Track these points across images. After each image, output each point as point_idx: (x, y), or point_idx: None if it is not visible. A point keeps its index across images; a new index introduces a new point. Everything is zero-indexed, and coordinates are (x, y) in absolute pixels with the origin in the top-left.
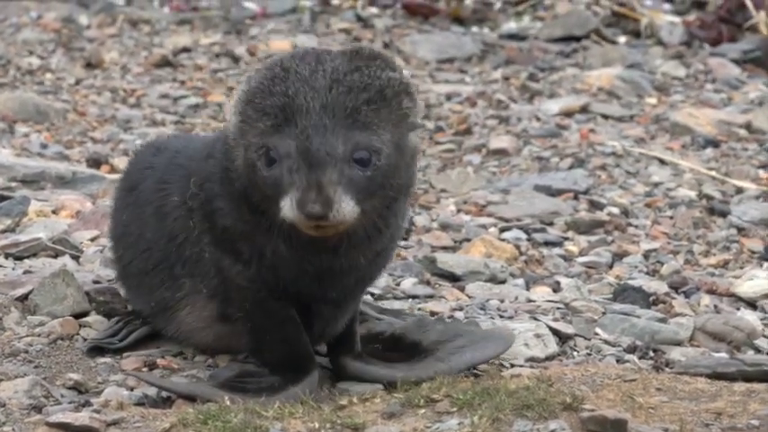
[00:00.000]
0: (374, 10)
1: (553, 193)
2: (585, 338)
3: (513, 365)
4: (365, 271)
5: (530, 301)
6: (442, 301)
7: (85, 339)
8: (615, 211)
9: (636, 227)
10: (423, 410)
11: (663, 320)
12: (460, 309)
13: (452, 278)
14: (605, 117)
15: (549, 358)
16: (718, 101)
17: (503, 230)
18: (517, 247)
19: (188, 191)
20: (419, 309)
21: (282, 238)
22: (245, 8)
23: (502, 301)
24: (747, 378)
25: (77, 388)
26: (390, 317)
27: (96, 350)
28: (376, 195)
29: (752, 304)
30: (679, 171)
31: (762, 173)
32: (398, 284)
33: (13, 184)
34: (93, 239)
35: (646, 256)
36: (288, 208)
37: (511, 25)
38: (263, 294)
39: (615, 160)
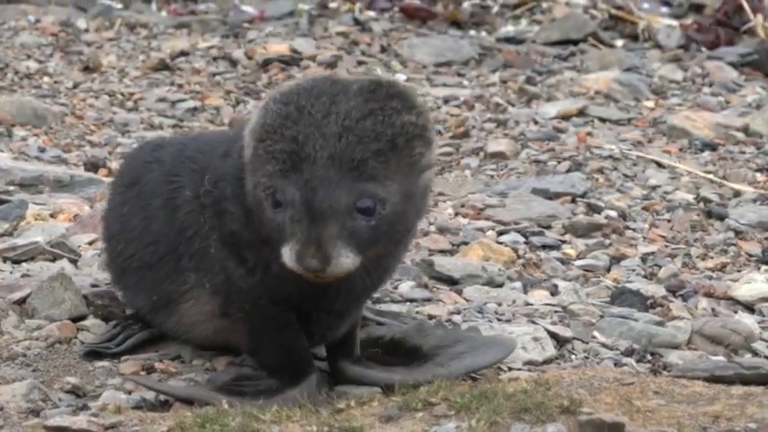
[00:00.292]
0: (372, 13)
1: (551, 196)
2: (583, 342)
3: (510, 369)
4: (369, 285)
5: (527, 304)
6: (440, 304)
7: (83, 343)
8: (613, 214)
9: (633, 230)
10: (420, 414)
11: (660, 324)
12: (458, 312)
13: (450, 281)
14: (603, 120)
15: (547, 362)
16: (715, 104)
17: (500, 234)
18: (515, 250)
19: (201, 185)
20: (417, 312)
21: None
22: (242, 12)
23: (500, 305)
24: (745, 381)
25: (75, 392)
26: (390, 320)
27: (93, 354)
28: (380, 243)
29: (749, 307)
30: (676, 174)
31: (759, 176)
32: (396, 288)
33: (11, 188)
34: (91, 243)
35: (643, 259)
36: (287, 257)
37: (508, 29)
38: (264, 301)
39: (613, 163)
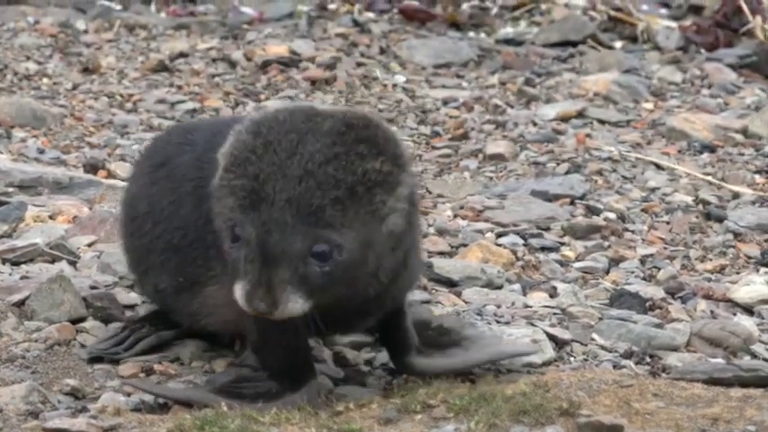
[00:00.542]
0: (371, 15)
1: (550, 198)
2: (582, 344)
3: (509, 371)
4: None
5: (526, 306)
6: (439, 306)
7: (83, 346)
8: (612, 216)
9: (632, 232)
10: (419, 416)
11: (659, 326)
12: (457, 314)
13: (449, 283)
14: (602, 122)
15: (546, 364)
16: (714, 106)
17: (499, 236)
18: (514, 252)
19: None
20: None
21: None
22: (242, 13)
23: (498, 307)
24: (744, 384)
25: (74, 394)
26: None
27: (99, 359)
28: (335, 288)
29: (748, 310)
30: (675, 176)
31: (758, 178)
32: None
33: (10, 190)
34: (90, 245)
35: (642, 261)
36: (238, 295)
37: (507, 30)
38: None
39: (612, 165)
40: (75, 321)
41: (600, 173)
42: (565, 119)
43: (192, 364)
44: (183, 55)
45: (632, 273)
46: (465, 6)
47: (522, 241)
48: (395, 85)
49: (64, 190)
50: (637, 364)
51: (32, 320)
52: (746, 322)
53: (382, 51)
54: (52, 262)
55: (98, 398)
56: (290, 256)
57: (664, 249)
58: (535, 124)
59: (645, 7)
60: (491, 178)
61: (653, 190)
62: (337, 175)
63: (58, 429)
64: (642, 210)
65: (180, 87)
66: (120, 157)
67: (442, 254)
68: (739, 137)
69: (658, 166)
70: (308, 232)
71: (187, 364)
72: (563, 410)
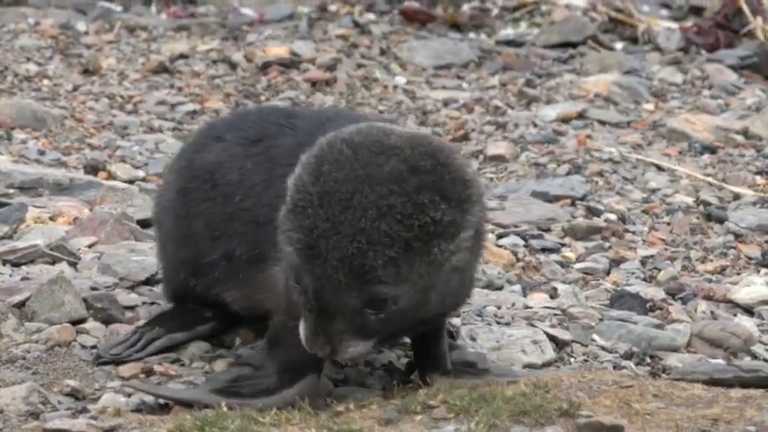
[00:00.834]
0: (371, 16)
1: (550, 199)
2: (582, 345)
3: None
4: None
5: (527, 307)
6: None
7: (83, 347)
8: (612, 217)
9: (633, 233)
10: (419, 416)
11: (660, 327)
12: (458, 315)
13: None
14: (602, 123)
15: (546, 364)
16: (715, 107)
17: (500, 237)
18: (514, 253)
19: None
20: None
21: None
22: (242, 15)
23: (499, 308)
24: (744, 384)
25: (75, 394)
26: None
27: (111, 362)
28: (395, 330)
29: (749, 310)
30: (676, 177)
31: (759, 179)
32: None
33: (11, 191)
34: (90, 246)
35: (643, 262)
36: (302, 335)
37: (508, 31)
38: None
39: (612, 166)
40: (75, 322)
41: (600, 174)
42: (565, 120)
43: (193, 364)
44: (183, 56)
45: (633, 274)
46: (465, 7)
47: (522, 242)
48: (395, 87)
49: (64, 191)
50: (637, 364)
51: (33, 321)
52: (747, 323)
53: (383, 52)
54: (53, 263)
55: (98, 399)
56: (343, 311)
57: (664, 250)
58: (536, 125)
59: (645, 8)
60: (491, 179)
61: (653, 191)
62: (391, 232)
63: (59, 430)
64: (643, 211)
65: (180, 89)
66: (120, 158)
67: None
68: (740, 138)
69: (659, 167)
70: (361, 289)
71: (187, 364)
72: (563, 411)
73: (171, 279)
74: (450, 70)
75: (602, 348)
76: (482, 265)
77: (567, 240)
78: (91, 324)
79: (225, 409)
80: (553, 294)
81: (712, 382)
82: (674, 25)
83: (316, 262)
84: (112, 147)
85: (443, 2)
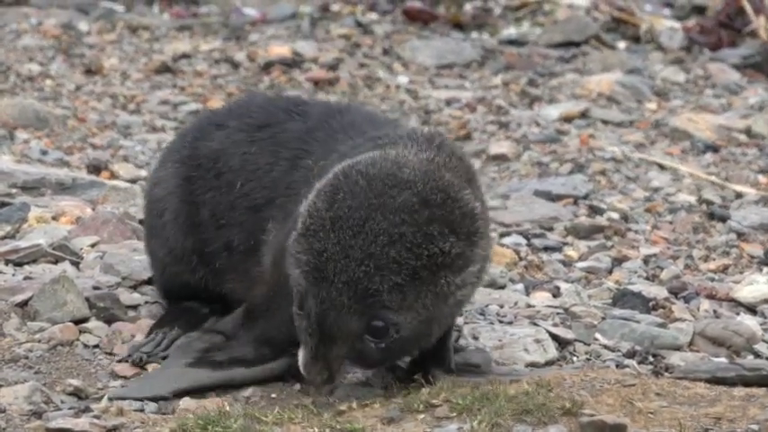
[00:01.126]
0: (374, 16)
1: (553, 198)
2: (585, 344)
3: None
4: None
5: (529, 306)
6: None
7: (86, 346)
8: (615, 216)
9: (635, 232)
10: (422, 415)
11: (662, 325)
12: (460, 314)
13: None
14: (605, 122)
15: (549, 363)
16: (717, 106)
17: (502, 236)
18: (517, 252)
19: (324, 161)
20: None
21: None
22: (244, 14)
23: (501, 307)
24: (747, 383)
25: (77, 394)
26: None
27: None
28: (394, 359)
29: (751, 309)
30: (678, 176)
31: (761, 178)
32: None
33: (13, 191)
34: (93, 245)
35: (645, 261)
36: (300, 362)
37: (510, 31)
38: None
39: (615, 165)
40: (78, 322)
41: (603, 173)
42: (568, 119)
43: None
44: (185, 56)
45: (635, 272)
46: (468, 7)
47: (525, 241)
48: (398, 86)
49: (67, 191)
50: (640, 363)
51: (35, 321)
52: (749, 322)
53: (385, 52)
54: (55, 263)
55: (101, 398)
56: (345, 335)
57: (667, 249)
58: (538, 125)
59: (648, 7)
60: (494, 178)
61: (656, 190)
62: (399, 259)
63: (61, 429)
64: (645, 210)
65: (183, 88)
66: (122, 157)
67: None
68: (742, 137)
69: (661, 166)
70: (364, 313)
71: None
72: (566, 410)
73: (166, 272)
74: (452, 70)
75: (605, 347)
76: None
77: (569, 239)
78: (93, 323)
79: (226, 407)
80: (556, 293)
81: (715, 381)
82: (677, 24)
83: (322, 285)
84: (115, 146)
85: (446, 1)
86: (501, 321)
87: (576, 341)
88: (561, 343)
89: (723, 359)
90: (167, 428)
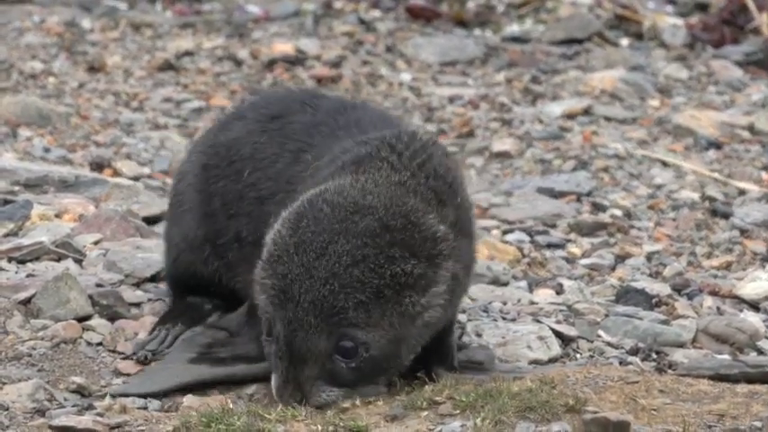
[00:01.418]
0: (377, 13)
1: (556, 195)
2: (588, 341)
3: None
4: None
5: (532, 303)
6: None
7: (89, 343)
8: (618, 213)
9: (638, 229)
10: (425, 413)
11: (665, 322)
12: (463, 311)
13: None
14: (608, 119)
15: (552, 360)
16: (720, 103)
17: (505, 233)
18: (520, 249)
19: (318, 162)
20: None
21: None
22: (247, 12)
23: (504, 304)
24: (750, 380)
25: (80, 391)
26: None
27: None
28: (366, 380)
29: (755, 306)
30: (682, 173)
31: (764, 174)
32: None
33: (16, 188)
34: (95, 243)
35: (648, 258)
36: (273, 386)
37: (513, 28)
38: None
39: (618, 162)
40: (81, 319)
41: (606, 170)
42: (571, 116)
43: None
44: (188, 53)
45: (638, 269)
46: (471, 4)
47: (528, 238)
48: (401, 84)
49: (70, 188)
50: (643, 360)
51: (38, 318)
52: (753, 318)
53: (388, 49)
54: (58, 260)
55: (104, 395)
56: (314, 355)
57: (670, 246)
58: (541, 122)
59: (651, 4)
60: (497, 176)
61: (659, 187)
62: (363, 278)
63: (65, 427)
64: (648, 207)
65: (186, 86)
66: (125, 155)
67: None
68: (745, 134)
69: (664, 163)
70: (331, 331)
71: None
72: (569, 407)
73: (179, 259)
74: (455, 67)
75: (608, 344)
76: (488, 260)
77: (572, 236)
78: (96, 321)
79: (230, 404)
80: (559, 290)
81: (718, 378)
82: (680, 21)
83: (288, 306)
84: (118, 144)
85: None
86: (504, 318)
87: (579, 338)
88: (564, 340)
89: (726, 356)
90: (171, 426)
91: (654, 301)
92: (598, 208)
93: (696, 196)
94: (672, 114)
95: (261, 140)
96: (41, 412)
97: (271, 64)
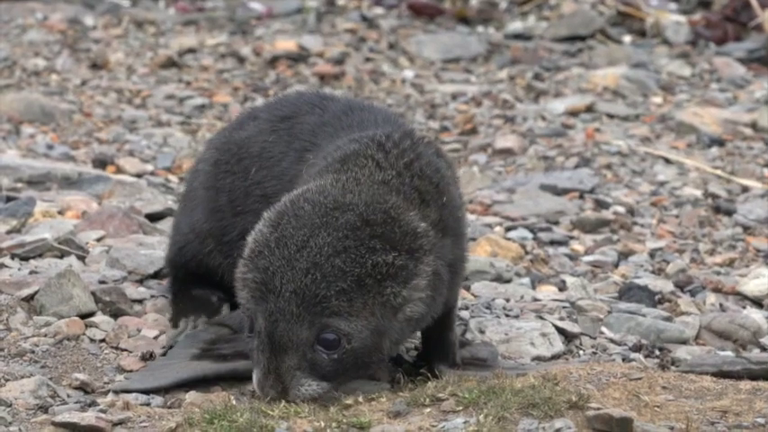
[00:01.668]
0: (379, 10)
1: (559, 192)
2: (591, 337)
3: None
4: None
5: (535, 300)
6: None
7: (92, 340)
8: (621, 210)
9: (641, 226)
10: (428, 409)
11: (668, 319)
12: (466, 308)
13: None
14: (611, 116)
15: (555, 357)
16: (723, 100)
17: (508, 230)
18: (523, 246)
19: (314, 159)
20: None
21: None
22: (250, 9)
23: (507, 301)
24: (753, 376)
25: (83, 388)
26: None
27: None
28: (349, 372)
29: (757, 303)
30: (684, 170)
31: (767, 171)
32: None
33: (19, 185)
34: (98, 240)
35: (651, 254)
36: (254, 382)
37: (516, 25)
38: None
39: (621, 159)
40: (84, 316)
41: (609, 167)
42: (574, 113)
43: None
44: (191, 51)
45: (641, 266)
46: (474, 1)
47: (531, 235)
48: (403, 81)
49: (73, 185)
50: (646, 356)
51: (41, 315)
52: (755, 315)
53: (391, 46)
54: (61, 257)
55: (107, 392)
56: (296, 344)
57: (673, 243)
58: (544, 119)
59: (654, 2)
60: (500, 172)
61: (662, 184)
62: (345, 267)
63: (68, 423)
64: (651, 203)
65: (188, 83)
66: (128, 152)
67: None
68: (748, 131)
69: (667, 160)
70: (313, 321)
71: None
72: (572, 403)
73: (186, 248)
74: (458, 64)
75: (611, 341)
76: (491, 257)
77: (575, 233)
78: (99, 317)
79: (233, 401)
80: (562, 287)
81: (721, 375)
82: (683, 18)
83: (269, 297)
84: (121, 141)
85: None
86: (507, 315)
87: (582, 335)
88: (567, 337)
89: (729, 353)
90: (173, 422)
91: (657, 297)
92: (601, 205)
93: (699, 193)
94: (675, 111)
95: (269, 139)
96: (44, 409)
97: (273, 61)
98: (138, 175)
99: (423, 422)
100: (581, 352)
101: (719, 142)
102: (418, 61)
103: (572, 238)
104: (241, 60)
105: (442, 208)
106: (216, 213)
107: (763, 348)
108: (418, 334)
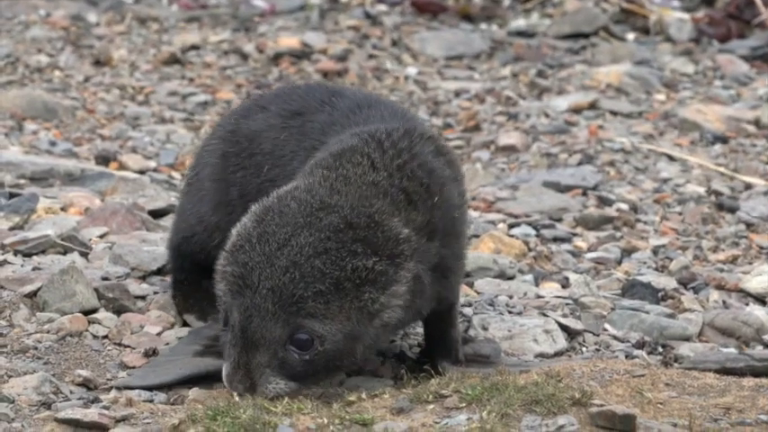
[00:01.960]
0: (383, 7)
1: (562, 189)
2: (594, 334)
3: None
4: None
5: (538, 296)
6: None
7: (95, 337)
8: (624, 207)
9: (644, 223)
10: (431, 406)
11: (671, 316)
12: (469, 305)
13: None
14: (614, 113)
15: (558, 354)
16: (726, 97)
17: (511, 226)
18: (526, 243)
19: (328, 152)
20: None
21: None
22: (253, 5)
23: (511, 297)
24: (756, 373)
25: (86, 384)
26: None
27: None
28: (319, 374)
29: (761, 300)
30: (688, 167)
31: None
32: None
33: (22, 182)
34: (101, 236)
35: (654, 251)
36: (223, 375)
37: (519, 22)
38: None
39: (624, 156)
40: (86, 312)
41: (612, 164)
42: (577, 110)
43: None
44: (194, 47)
45: (644, 263)
46: None
47: (534, 232)
48: (407, 77)
49: (75, 182)
50: (649, 353)
51: (44, 311)
52: (759, 312)
53: (394, 43)
54: (64, 253)
55: (110, 388)
56: (268, 342)
57: (676, 240)
58: (547, 116)
59: None
60: (503, 169)
61: (665, 181)
62: (324, 269)
63: (71, 420)
64: (654, 201)
65: (192, 80)
66: (131, 149)
67: None
68: (752, 128)
69: (670, 158)
70: (288, 320)
71: None
72: (575, 400)
73: (192, 240)
74: (461, 61)
75: (614, 338)
76: (494, 254)
77: (578, 230)
78: (102, 314)
79: (235, 398)
80: (565, 284)
81: (724, 372)
82: (686, 16)
83: (246, 293)
84: (124, 137)
85: None
86: (510, 312)
87: (585, 332)
88: (570, 333)
89: (732, 349)
90: (176, 419)
91: (660, 294)
92: (604, 202)
93: (702, 190)
94: (678, 109)
95: (281, 137)
96: (47, 405)
97: (276, 58)
98: (141, 172)
99: (426, 419)
100: (584, 349)
101: (723, 139)
102: (421, 58)
103: (575, 235)
104: (244, 57)
105: (432, 209)
106: (225, 207)
107: (766, 345)
108: (421, 331)
